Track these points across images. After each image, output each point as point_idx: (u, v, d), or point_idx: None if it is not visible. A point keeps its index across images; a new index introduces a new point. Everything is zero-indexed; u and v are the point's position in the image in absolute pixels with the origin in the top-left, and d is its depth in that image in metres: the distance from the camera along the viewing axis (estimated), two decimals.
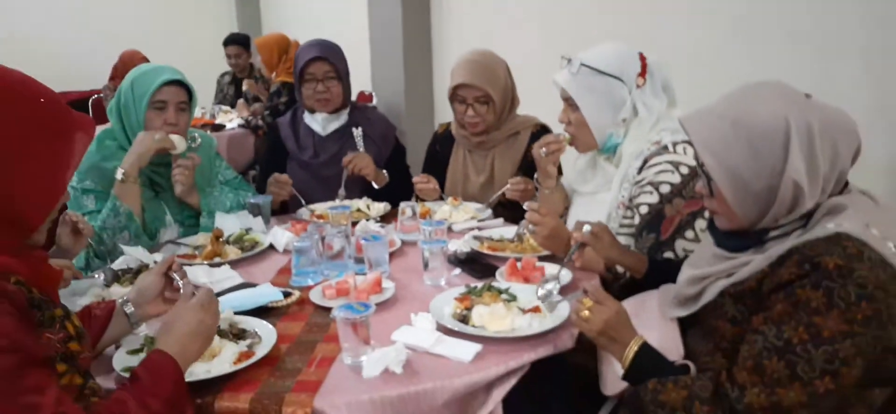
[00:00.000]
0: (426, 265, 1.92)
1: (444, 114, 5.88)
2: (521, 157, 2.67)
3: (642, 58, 1.99)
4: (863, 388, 1.22)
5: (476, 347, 1.49)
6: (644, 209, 1.86)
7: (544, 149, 2.14)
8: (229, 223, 2.41)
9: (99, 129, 3.04)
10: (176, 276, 1.59)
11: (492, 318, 1.56)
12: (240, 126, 5.10)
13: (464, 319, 1.61)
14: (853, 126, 1.30)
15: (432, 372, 1.42)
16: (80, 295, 1.87)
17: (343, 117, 2.88)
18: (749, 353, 1.24)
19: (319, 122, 2.86)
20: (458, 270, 2.00)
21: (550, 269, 1.91)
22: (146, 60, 5.94)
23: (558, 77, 2.04)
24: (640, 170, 1.91)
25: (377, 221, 2.50)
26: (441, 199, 2.67)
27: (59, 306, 1.18)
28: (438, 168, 2.84)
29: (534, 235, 1.95)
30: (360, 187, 2.79)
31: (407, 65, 5.47)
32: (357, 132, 2.72)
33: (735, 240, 1.39)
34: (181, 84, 2.36)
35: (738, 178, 1.29)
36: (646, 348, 1.38)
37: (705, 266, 1.43)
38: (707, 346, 1.40)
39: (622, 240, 1.95)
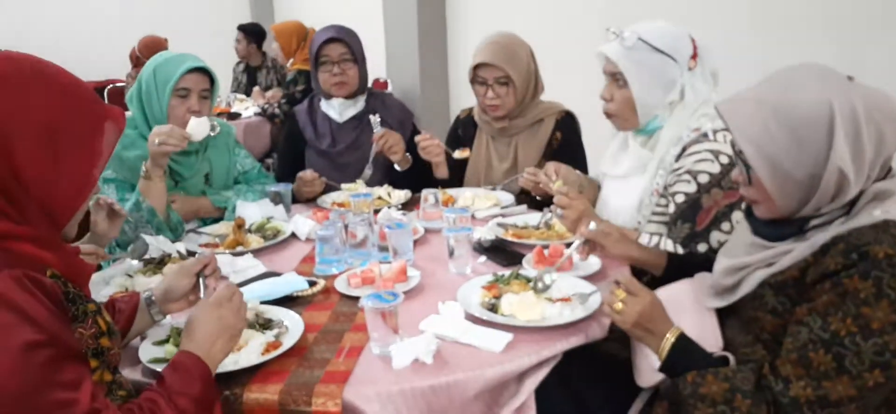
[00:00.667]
0: (451, 253, 1.90)
1: (460, 100, 5.86)
2: (545, 143, 2.63)
3: (693, 41, 1.92)
4: None
5: (507, 337, 1.46)
6: (680, 198, 1.81)
7: (559, 211, 1.95)
8: (251, 212, 2.39)
9: None
10: (203, 282, 1.53)
11: (521, 306, 1.53)
12: (256, 114, 5.09)
13: (493, 308, 1.58)
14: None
15: (463, 362, 1.39)
16: (104, 284, 1.86)
17: (360, 103, 2.85)
18: (793, 345, 1.20)
19: (336, 109, 2.83)
20: (483, 258, 1.97)
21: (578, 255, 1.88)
22: (166, 45, 5.98)
23: (607, 49, 1.93)
24: (679, 157, 1.85)
25: (399, 209, 2.47)
26: (450, 156, 2.64)
27: (91, 301, 1.16)
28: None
29: (562, 218, 1.91)
30: (381, 173, 2.76)
31: (422, 52, 5.43)
32: (374, 119, 2.69)
33: (774, 228, 1.33)
34: (204, 71, 2.33)
35: (779, 167, 1.23)
36: (683, 340, 1.35)
37: (743, 255, 1.38)
38: (746, 338, 1.36)
39: (652, 228, 1.90)
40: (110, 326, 1.19)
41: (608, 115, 2.00)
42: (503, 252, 1.99)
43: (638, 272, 1.70)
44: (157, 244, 2.04)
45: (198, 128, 2.25)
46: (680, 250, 1.76)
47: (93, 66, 7.46)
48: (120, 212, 1.99)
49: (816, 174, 1.21)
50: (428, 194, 2.33)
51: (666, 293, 1.52)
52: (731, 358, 1.33)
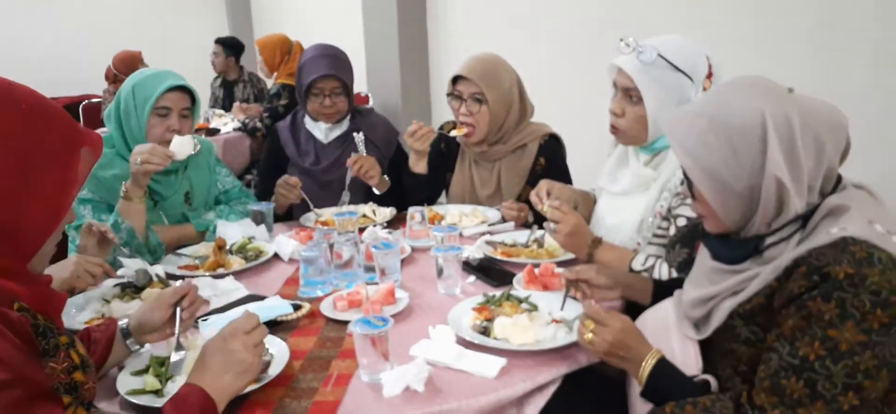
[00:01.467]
0: (440, 273, 1.85)
1: (442, 115, 5.82)
2: (528, 169, 2.56)
3: (708, 59, 1.87)
4: (890, 393, 1.16)
5: (500, 362, 1.41)
6: (682, 222, 1.77)
7: (551, 226, 1.90)
8: (232, 232, 2.32)
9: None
10: (179, 313, 1.46)
11: (515, 330, 1.49)
12: (236, 129, 5.01)
13: (485, 331, 1.54)
14: (840, 120, 1.23)
15: (456, 389, 1.34)
16: (80, 310, 1.79)
17: (344, 124, 2.81)
18: (766, 372, 1.18)
19: (322, 130, 2.78)
20: (472, 278, 1.93)
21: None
22: (141, 58, 5.88)
23: (623, 63, 1.85)
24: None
25: (384, 227, 2.42)
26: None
27: (64, 333, 1.09)
28: (443, 168, 2.76)
29: (554, 233, 1.87)
30: (362, 192, 2.71)
31: (403, 66, 5.40)
32: (359, 137, 2.64)
33: (730, 250, 1.31)
34: (185, 89, 2.27)
35: (718, 179, 1.23)
36: (662, 364, 1.32)
37: (707, 284, 1.35)
38: (725, 369, 1.33)
39: (652, 250, 1.87)
40: (84, 358, 1.12)
41: (615, 129, 1.96)
42: (493, 271, 1.95)
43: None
44: (133, 266, 1.97)
45: (181, 146, 2.19)
46: (674, 274, 1.72)
47: (68, 83, 7.36)
48: (112, 239, 1.92)
49: (755, 185, 1.21)
50: (415, 212, 2.29)
51: (653, 314, 1.49)
52: (712, 382, 1.30)
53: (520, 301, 1.64)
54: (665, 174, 1.91)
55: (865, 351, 1.09)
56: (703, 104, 1.26)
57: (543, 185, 2.12)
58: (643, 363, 1.32)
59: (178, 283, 1.67)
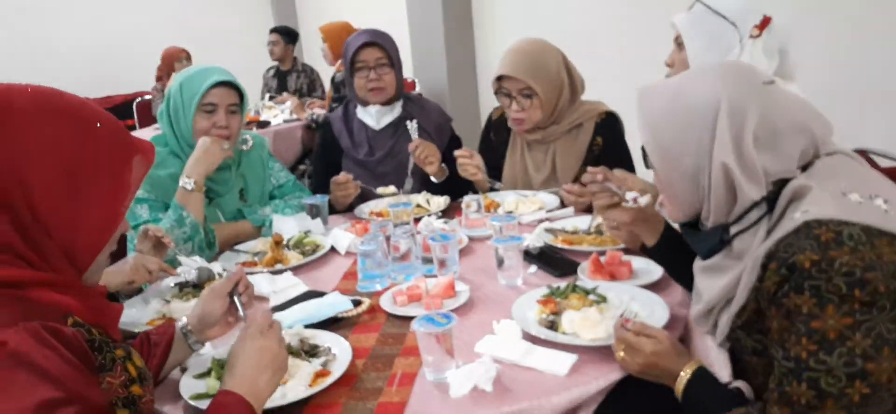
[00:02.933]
0: (500, 263, 1.79)
1: (489, 98, 5.74)
2: (585, 149, 2.47)
3: (767, 17, 1.89)
4: None
5: (571, 358, 1.35)
6: None
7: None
8: (288, 226, 2.31)
9: (148, 132, 2.88)
10: (238, 300, 1.46)
11: (584, 324, 1.42)
12: (285, 121, 5.02)
13: (552, 326, 1.48)
14: (812, 123, 1.18)
15: (526, 388, 1.29)
16: (145, 304, 1.81)
17: (397, 110, 2.75)
18: (773, 382, 1.12)
19: (373, 116, 2.74)
20: (533, 268, 1.87)
21: (638, 263, 1.76)
22: (187, 55, 5.95)
23: (676, 16, 2.02)
24: None
25: (439, 217, 2.37)
26: (489, 182, 2.51)
27: (120, 346, 1.07)
28: (494, 158, 2.69)
29: (614, 230, 1.79)
30: (418, 182, 2.66)
31: (448, 49, 5.34)
32: (411, 125, 2.59)
33: (700, 242, 1.29)
34: (231, 85, 2.25)
35: (668, 155, 1.23)
36: (699, 375, 1.26)
37: (701, 293, 1.30)
38: (753, 378, 1.26)
39: None
40: (141, 371, 1.10)
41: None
42: (554, 260, 1.88)
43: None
44: (192, 265, 1.96)
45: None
46: None
47: (120, 81, 7.51)
48: (168, 243, 1.93)
49: (702, 167, 1.20)
50: (470, 201, 2.23)
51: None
52: (746, 389, 1.23)
53: (587, 293, 1.57)
54: None
55: (855, 333, 1.02)
56: (675, 79, 1.27)
57: (617, 176, 2.03)
58: (680, 375, 1.26)
59: (217, 270, 1.66)
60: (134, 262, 1.82)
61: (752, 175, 1.16)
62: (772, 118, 1.16)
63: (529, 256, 1.90)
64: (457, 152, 2.52)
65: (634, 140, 2.55)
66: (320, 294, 1.81)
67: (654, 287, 1.64)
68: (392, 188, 2.59)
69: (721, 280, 1.23)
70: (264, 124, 4.93)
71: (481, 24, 5.40)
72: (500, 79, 2.45)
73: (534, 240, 2.00)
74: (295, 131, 4.88)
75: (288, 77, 6.25)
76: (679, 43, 2.01)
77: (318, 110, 4.99)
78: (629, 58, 3.87)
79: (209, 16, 8.45)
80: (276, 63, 6.31)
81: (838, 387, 1.02)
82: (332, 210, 2.56)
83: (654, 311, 1.48)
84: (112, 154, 1.04)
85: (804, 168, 1.18)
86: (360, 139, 2.76)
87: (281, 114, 5.19)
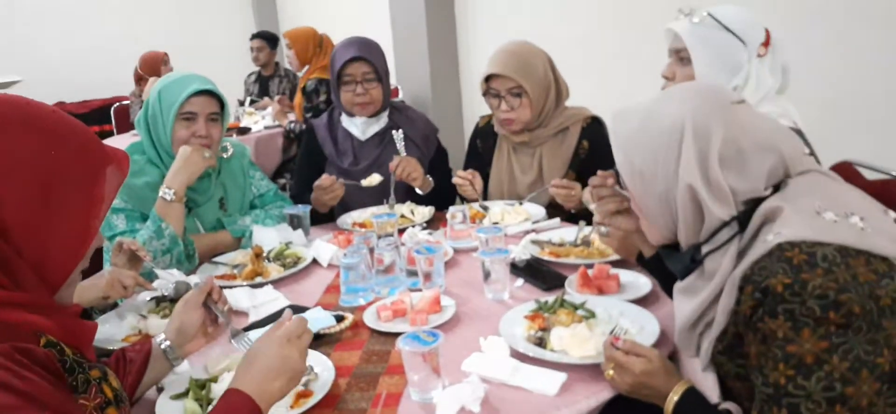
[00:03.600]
0: (487, 276, 1.76)
1: (473, 105, 5.72)
2: (571, 153, 2.49)
3: (767, 31, 1.83)
4: (883, 395, 1.02)
5: (561, 377, 1.32)
6: None
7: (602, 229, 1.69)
8: (269, 237, 2.26)
9: (126, 139, 2.79)
10: (215, 308, 1.43)
11: (574, 341, 1.39)
12: (266, 127, 4.96)
13: (541, 343, 1.44)
14: (781, 143, 1.17)
15: (515, 408, 1.25)
16: (120, 320, 1.75)
17: (382, 120, 2.71)
18: (754, 408, 1.09)
19: (358, 126, 2.69)
20: (520, 281, 1.83)
21: (626, 276, 1.74)
22: (166, 59, 5.85)
23: (675, 25, 1.89)
24: None
25: (423, 227, 2.34)
26: (480, 201, 2.49)
27: (95, 366, 1.02)
28: (480, 165, 2.67)
29: (605, 238, 1.77)
30: (402, 192, 2.63)
31: (432, 57, 5.29)
32: (398, 135, 2.55)
33: (675, 262, 1.28)
34: (212, 94, 2.20)
35: (641, 177, 1.23)
36: (688, 396, 1.23)
37: (678, 314, 1.27)
38: (741, 405, 1.23)
39: None
40: (118, 393, 1.05)
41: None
42: (541, 273, 1.85)
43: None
44: (170, 279, 1.91)
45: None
46: None
47: (98, 85, 7.38)
48: (144, 257, 1.87)
49: (671, 189, 1.19)
50: (456, 211, 2.19)
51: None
52: (736, 411, 1.20)
53: (575, 307, 1.53)
54: None
55: (832, 356, 0.99)
56: (644, 103, 1.26)
57: (594, 180, 2.01)
58: (669, 397, 1.24)
59: (195, 283, 1.60)
60: (109, 276, 1.76)
61: (718, 195, 1.14)
62: (737, 138, 1.15)
63: (516, 268, 1.87)
64: (458, 174, 2.49)
65: None
66: (302, 309, 1.76)
67: (643, 302, 1.61)
68: (376, 177, 2.54)
69: (693, 301, 1.21)
70: (245, 131, 4.87)
71: (465, 31, 5.37)
72: (488, 79, 2.45)
73: (520, 252, 1.97)
74: (276, 138, 4.82)
75: (270, 82, 6.18)
76: (681, 56, 1.88)
77: (290, 120, 4.92)
78: (610, 68, 3.87)
79: (189, 20, 8.34)
80: (258, 69, 6.24)
81: (819, 413, 1.00)
82: (315, 219, 2.51)
83: (644, 326, 1.46)
84: (84, 165, 0.99)
85: (776, 188, 1.16)
86: (344, 148, 2.71)
87: (261, 120, 5.12)
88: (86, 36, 7.72)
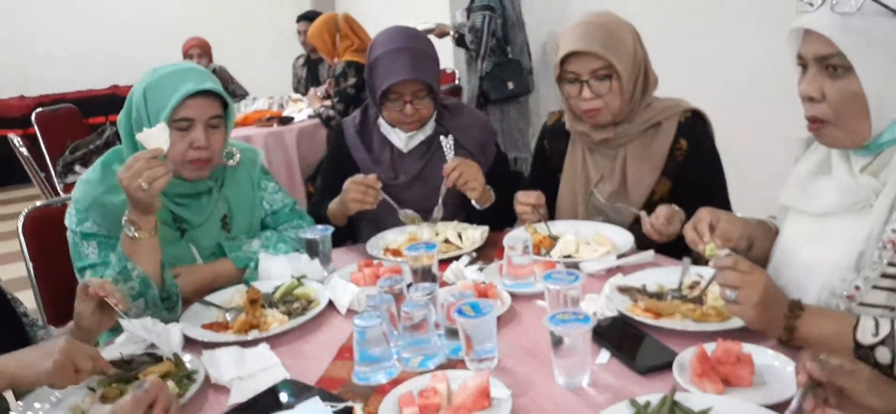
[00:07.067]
0: (557, 345, 1.23)
1: (540, 98, 5.15)
2: (665, 155, 1.93)
3: None
4: None
5: None
6: None
7: (728, 293, 1.25)
8: (277, 268, 1.79)
9: None
10: None
11: None
12: (310, 116, 4.52)
13: None
14: None
15: None
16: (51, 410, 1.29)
17: (429, 127, 2.19)
18: None
19: (401, 138, 2.19)
20: (605, 355, 1.30)
21: (761, 356, 1.18)
22: (203, 47, 5.47)
23: (811, 22, 1.23)
24: None
25: (472, 258, 1.82)
26: (543, 222, 1.95)
27: None
28: (548, 173, 2.13)
29: (733, 305, 1.22)
30: (453, 208, 2.12)
31: None
32: (447, 142, 2.05)
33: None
34: (211, 93, 1.73)
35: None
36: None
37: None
38: None
39: (880, 298, 1.22)
40: None
41: (815, 121, 1.28)
42: (635, 343, 1.31)
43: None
44: (136, 331, 1.45)
45: (156, 138, 1.55)
46: None
47: (141, 66, 7.16)
48: (115, 305, 1.40)
49: None
50: (515, 240, 1.65)
51: None
52: None
53: None
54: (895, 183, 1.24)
55: None
56: None
57: (705, 216, 1.45)
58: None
59: (145, 384, 1.09)
60: (59, 355, 1.23)
61: None
62: None
63: (599, 334, 1.33)
64: (520, 200, 1.95)
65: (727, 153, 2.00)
66: (301, 389, 1.28)
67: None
68: (411, 213, 2.05)
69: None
70: (287, 120, 4.43)
71: (531, 8, 4.81)
72: (564, 61, 1.89)
73: (603, 306, 1.43)
74: (319, 130, 4.37)
75: (319, 66, 5.75)
76: (831, 65, 1.22)
77: (321, 105, 4.48)
78: (702, 52, 3.28)
79: (240, 4, 8.01)
80: (307, 52, 5.82)
81: None
82: (337, 238, 2.01)
83: None
84: None
85: None
86: (380, 157, 2.21)
87: (306, 108, 4.69)
88: (129, 19, 7.55)
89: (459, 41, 4.69)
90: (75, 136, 4.61)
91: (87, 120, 5.44)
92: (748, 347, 1.18)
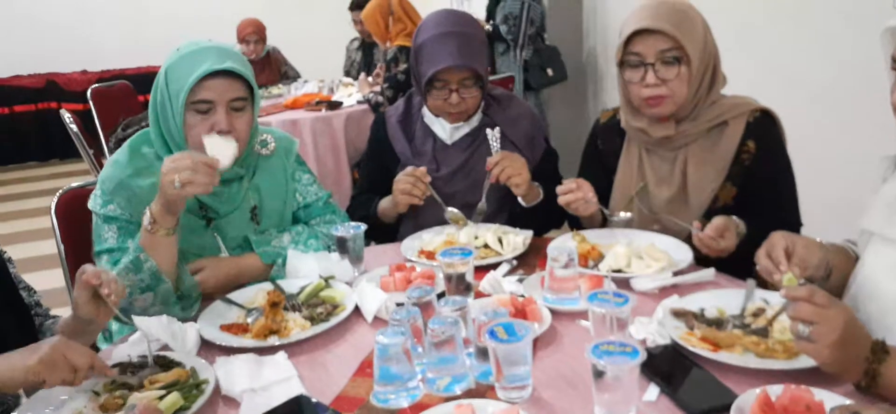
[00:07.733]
0: (599, 376, 1.08)
1: (599, 92, 4.95)
2: (731, 158, 1.76)
3: None
4: None
5: None
6: None
7: (800, 328, 1.07)
8: (305, 268, 1.69)
9: None
10: None
11: None
12: (359, 102, 4.43)
13: None
14: None
15: None
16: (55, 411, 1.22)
17: (475, 120, 2.08)
18: None
19: (445, 129, 2.08)
20: (654, 392, 1.15)
21: (834, 402, 1.02)
22: (256, 28, 5.42)
23: None
24: None
25: (512, 266, 1.69)
26: (604, 211, 1.81)
27: None
28: (601, 174, 1.97)
29: (806, 343, 1.06)
30: (499, 199, 1.99)
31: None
32: (493, 134, 1.93)
33: None
34: (233, 74, 1.63)
35: None
36: None
37: None
38: None
39: None
40: None
41: None
42: (689, 379, 1.16)
43: None
44: (149, 330, 1.37)
45: (222, 149, 1.55)
46: None
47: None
48: (107, 297, 1.30)
49: None
50: (559, 251, 1.50)
51: None
52: None
53: None
54: None
55: None
56: None
57: (780, 241, 1.29)
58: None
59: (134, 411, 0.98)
60: (49, 350, 1.18)
61: None
62: None
63: (649, 367, 1.18)
64: (559, 190, 1.80)
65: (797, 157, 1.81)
66: (315, 410, 1.17)
67: None
68: (457, 212, 1.94)
69: None
70: (336, 105, 4.34)
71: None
72: (629, 42, 1.73)
73: (655, 333, 1.28)
74: (369, 115, 4.26)
75: (374, 49, 5.65)
76: None
77: (370, 91, 4.38)
78: (772, 49, 3.05)
79: None
80: (363, 37, 5.74)
81: None
82: (376, 234, 1.90)
83: None
84: None
85: None
86: (422, 148, 2.09)
87: (356, 92, 4.60)
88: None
89: (495, 34, 4.66)
90: (128, 113, 4.61)
91: (139, 97, 5.46)
92: (820, 394, 1.02)
